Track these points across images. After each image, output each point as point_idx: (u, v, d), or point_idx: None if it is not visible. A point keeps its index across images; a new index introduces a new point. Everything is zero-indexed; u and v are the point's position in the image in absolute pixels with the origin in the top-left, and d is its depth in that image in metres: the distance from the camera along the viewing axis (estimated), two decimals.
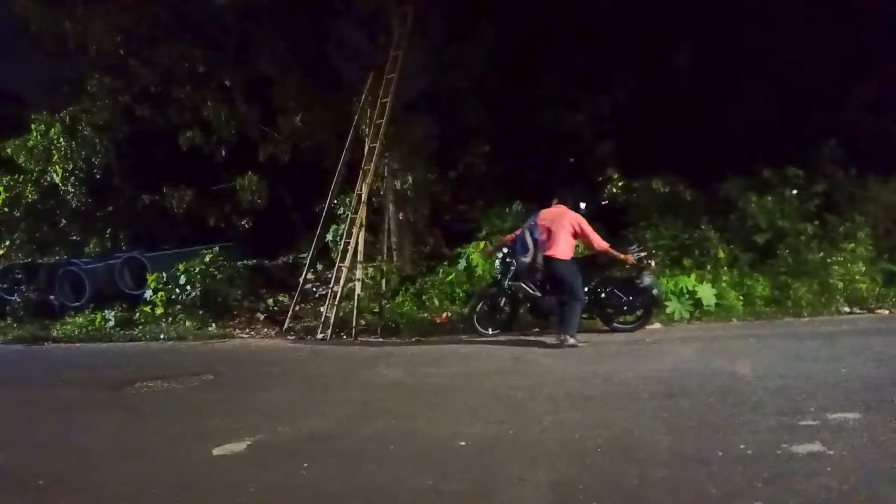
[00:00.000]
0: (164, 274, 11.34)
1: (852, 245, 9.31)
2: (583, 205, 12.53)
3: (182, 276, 11.15)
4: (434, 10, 11.35)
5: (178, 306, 11.10)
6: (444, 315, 9.72)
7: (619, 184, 11.53)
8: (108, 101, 12.59)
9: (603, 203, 11.75)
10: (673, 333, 8.00)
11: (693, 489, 3.21)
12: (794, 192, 10.10)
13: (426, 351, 8.04)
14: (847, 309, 8.61)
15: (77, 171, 13.06)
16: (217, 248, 11.89)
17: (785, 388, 4.94)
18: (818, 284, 9.02)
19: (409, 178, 11.61)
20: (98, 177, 13.43)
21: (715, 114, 11.71)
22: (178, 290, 11.15)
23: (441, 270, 10.94)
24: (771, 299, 9.02)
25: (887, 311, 8.41)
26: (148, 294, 11.40)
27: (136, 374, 7.42)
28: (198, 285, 11.10)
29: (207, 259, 11.40)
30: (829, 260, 9.23)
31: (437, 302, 10.27)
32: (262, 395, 6.17)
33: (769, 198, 10.01)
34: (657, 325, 8.39)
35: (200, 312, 11.01)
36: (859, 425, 3.99)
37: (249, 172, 12.72)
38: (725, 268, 9.54)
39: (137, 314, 11.35)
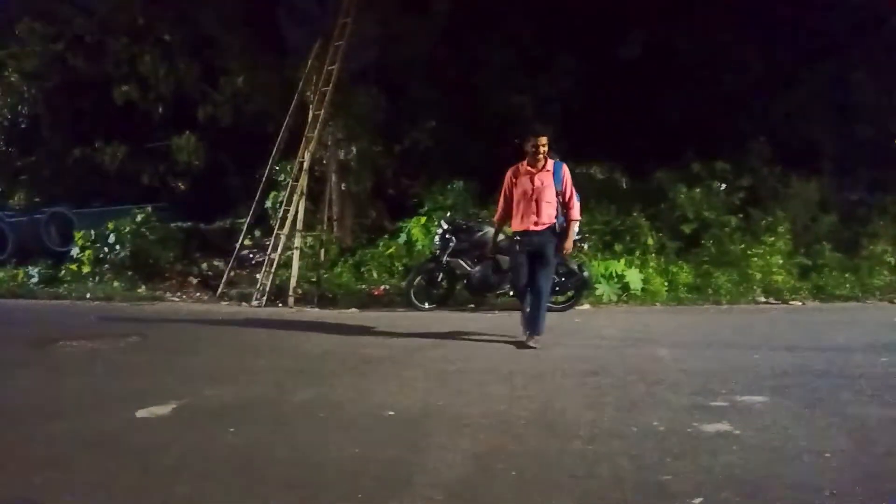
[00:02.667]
0: (93, 231, 10.94)
1: (772, 238, 9.79)
2: None
3: (111, 235, 10.80)
4: None
5: (107, 266, 10.78)
6: (382, 288, 9.76)
7: None
8: (39, 48, 11.91)
9: None
10: (601, 315, 8.27)
11: (607, 461, 3.33)
12: (723, 186, 10.53)
13: (362, 322, 8.00)
14: (763, 299, 9.07)
15: (1, 120, 12.35)
16: (150, 208, 11.52)
17: (700, 370, 5.16)
18: (738, 274, 9.46)
19: (354, 149, 11.50)
20: (24, 126, 12.74)
21: (654, 106, 12.03)
22: (106, 249, 10.80)
23: (381, 243, 10.94)
24: (693, 286, 9.43)
25: (800, 303, 8.89)
26: (75, 251, 10.98)
27: (59, 332, 7.17)
28: (128, 245, 10.78)
29: (139, 219, 11.06)
30: (749, 252, 9.67)
31: (375, 274, 10.30)
32: (191, 359, 6.06)
33: (697, 190, 10.41)
34: (587, 307, 8.66)
35: (130, 273, 10.70)
36: (765, 408, 4.17)
37: (187, 132, 12.30)
38: (653, 254, 9.91)
39: (63, 272, 10.94)
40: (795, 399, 4.33)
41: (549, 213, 5.93)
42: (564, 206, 6.00)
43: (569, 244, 6.06)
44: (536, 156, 5.91)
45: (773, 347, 6.03)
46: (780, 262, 9.54)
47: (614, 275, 9.21)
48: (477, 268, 8.45)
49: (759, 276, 9.38)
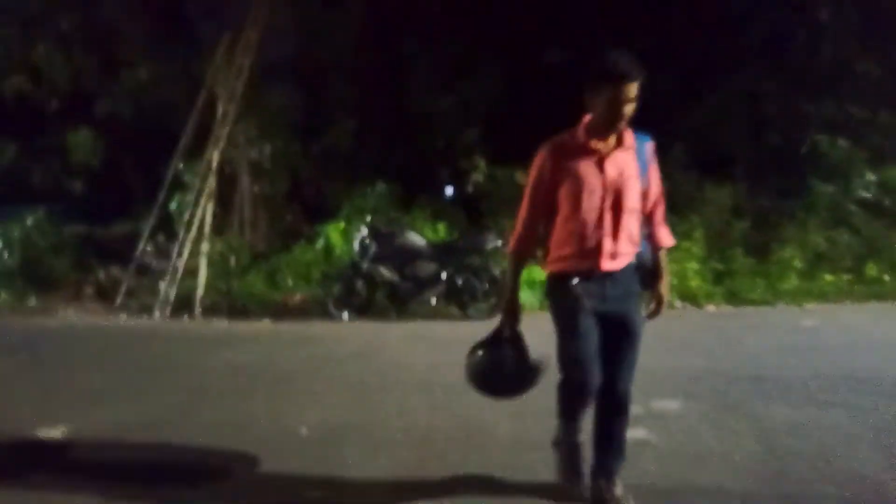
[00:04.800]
0: None
1: (688, 244, 10.03)
2: (449, 189, 12.60)
3: None
4: None
5: None
6: (298, 296, 9.36)
7: (484, 173, 11.68)
8: None
9: (469, 191, 11.86)
10: (523, 322, 8.19)
11: (528, 473, 3.32)
12: None
13: (276, 334, 7.73)
14: (679, 304, 9.26)
15: None
16: (42, 211, 10.65)
17: None
18: None
19: (267, 149, 11.01)
20: None
21: (578, 112, 12.17)
22: None
23: (297, 249, 10.50)
24: None
25: (715, 307, 9.13)
26: None
27: None
28: (16, 253, 9.91)
29: (30, 222, 10.21)
30: (667, 256, 9.85)
31: (290, 282, 9.85)
32: (85, 377, 5.63)
33: None
34: None
35: (19, 283, 9.84)
36: (679, 413, 4.26)
37: (84, 128, 11.47)
38: None
39: None
40: (707, 403, 4.45)
41: (632, 234, 2.89)
42: (647, 221, 3.03)
43: (666, 290, 3.07)
44: (618, 117, 2.75)
45: (687, 352, 6.11)
46: (696, 267, 9.77)
47: (536, 281, 9.18)
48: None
49: (675, 281, 9.57)
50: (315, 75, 11.98)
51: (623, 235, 2.84)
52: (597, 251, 2.82)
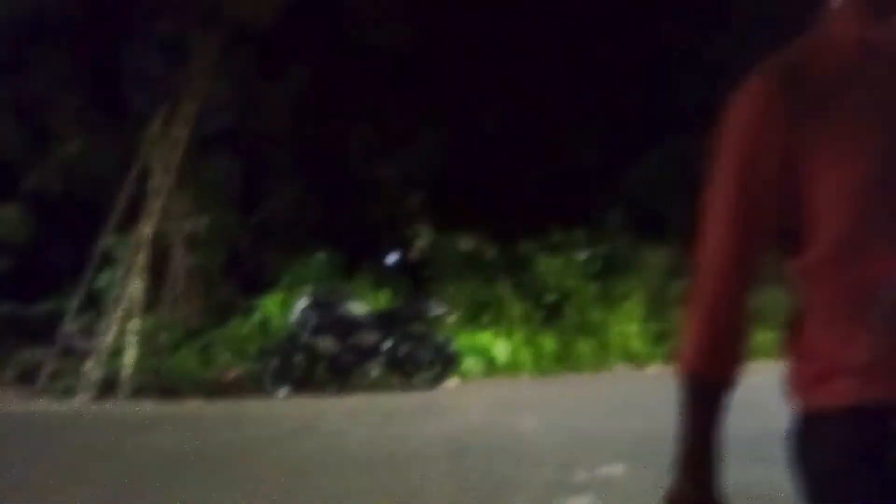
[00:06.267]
0: None
1: (629, 305, 10.18)
2: (392, 256, 12.55)
3: None
4: (243, 45, 10.79)
5: None
6: (233, 372, 9.00)
7: (426, 239, 11.76)
8: None
9: (412, 258, 11.87)
10: (467, 390, 8.15)
11: None
12: (584, 255, 10.87)
13: (209, 414, 7.48)
14: (621, 366, 9.36)
15: None
16: None
17: (562, 443, 5.21)
18: (598, 342, 9.71)
19: (204, 220, 10.77)
20: None
21: (520, 179, 12.45)
22: None
23: (233, 323, 10.15)
24: (557, 356, 9.54)
25: (656, 368, 9.26)
26: None
27: None
28: None
29: None
30: (608, 319, 9.99)
31: (225, 358, 9.47)
32: (3, 470, 5.17)
33: (558, 259, 10.74)
34: (454, 382, 8.49)
35: None
36: (626, 478, 4.26)
37: (8, 203, 10.99)
38: (519, 324, 9.97)
39: None
40: (653, 466, 4.36)
41: None
42: None
43: None
44: None
45: (630, 415, 6.16)
46: (636, 328, 9.92)
47: (481, 347, 9.15)
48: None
49: (617, 342, 9.68)
50: (254, 145, 11.92)
51: None
52: None
